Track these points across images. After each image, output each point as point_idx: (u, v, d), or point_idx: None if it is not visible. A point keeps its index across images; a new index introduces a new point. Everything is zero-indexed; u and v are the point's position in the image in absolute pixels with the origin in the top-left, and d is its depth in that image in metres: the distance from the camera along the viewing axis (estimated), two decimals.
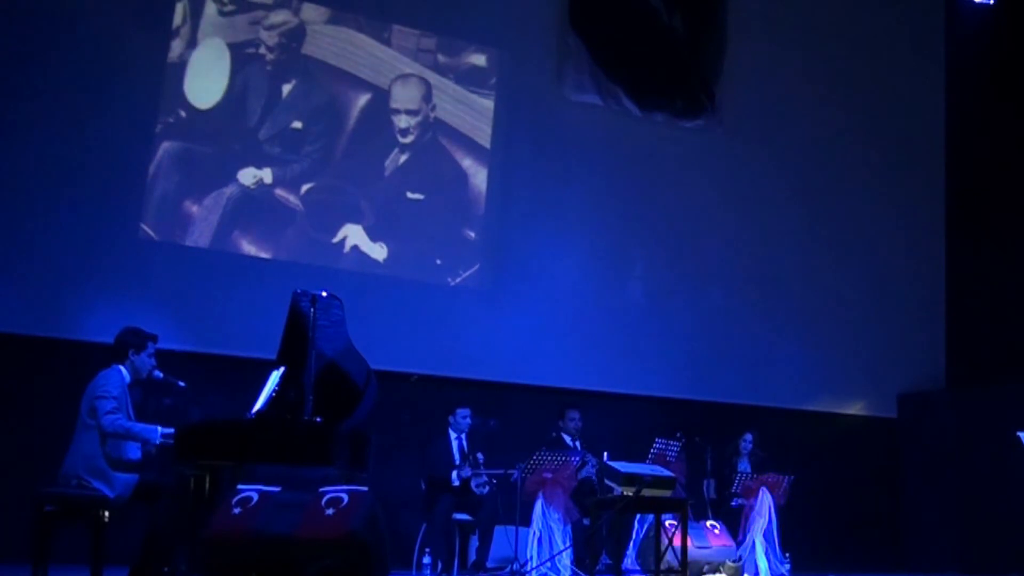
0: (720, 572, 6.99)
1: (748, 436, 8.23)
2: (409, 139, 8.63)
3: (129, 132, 7.65)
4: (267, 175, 8.07)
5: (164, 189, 7.78)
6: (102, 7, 7.61)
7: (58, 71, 7.42)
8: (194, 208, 7.82)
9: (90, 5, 7.59)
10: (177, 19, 7.93)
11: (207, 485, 4.65)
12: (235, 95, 8.06)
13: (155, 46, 7.82)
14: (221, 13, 8.07)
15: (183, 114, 7.89)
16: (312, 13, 8.39)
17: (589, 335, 8.91)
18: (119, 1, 7.72)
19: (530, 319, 8.63)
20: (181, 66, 7.90)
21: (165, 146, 7.80)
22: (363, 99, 8.51)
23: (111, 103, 7.55)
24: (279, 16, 8.27)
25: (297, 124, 8.22)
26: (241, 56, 8.11)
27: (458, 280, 8.62)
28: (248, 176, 8.01)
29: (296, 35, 8.32)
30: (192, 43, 7.97)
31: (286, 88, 8.23)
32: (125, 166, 7.62)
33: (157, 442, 4.95)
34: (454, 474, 6.98)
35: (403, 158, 8.58)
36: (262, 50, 8.19)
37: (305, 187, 8.19)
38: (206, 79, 7.97)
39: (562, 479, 6.91)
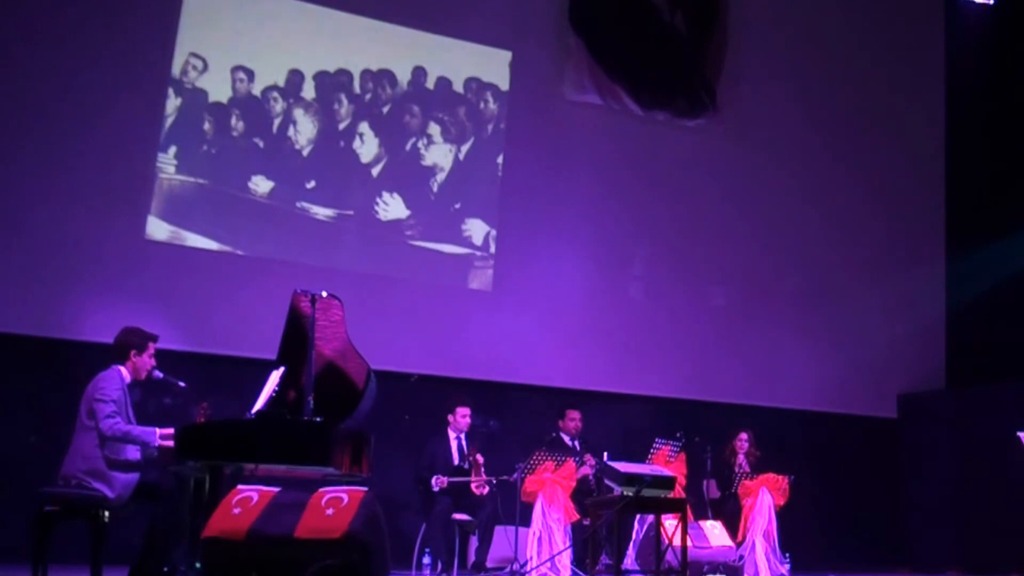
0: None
1: (743, 435, 8.19)
2: (410, 140, 8.64)
3: (134, 134, 7.67)
4: (273, 178, 8.10)
5: (168, 191, 7.79)
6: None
7: (63, 71, 7.44)
8: (199, 209, 7.84)
9: (96, 18, 7.65)
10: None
11: (207, 485, 4.64)
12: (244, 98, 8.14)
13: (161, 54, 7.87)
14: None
15: (191, 117, 7.92)
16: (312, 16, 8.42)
17: (589, 335, 8.91)
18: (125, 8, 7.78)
19: (530, 319, 8.62)
20: (187, 74, 7.97)
21: (172, 149, 7.83)
22: (361, 102, 8.52)
23: (117, 106, 7.57)
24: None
25: (302, 128, 8.24)
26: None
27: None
28: (255, 180, 8.04)
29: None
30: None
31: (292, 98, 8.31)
32: (128, 167, 7.63)
33: (155, 444, 4.96)
34: (433, 480, 6.92)
35: (399, 159, 8.60)
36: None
37: (308, 185, 8.21)
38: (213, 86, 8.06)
39: (562, 479, 6.91)
